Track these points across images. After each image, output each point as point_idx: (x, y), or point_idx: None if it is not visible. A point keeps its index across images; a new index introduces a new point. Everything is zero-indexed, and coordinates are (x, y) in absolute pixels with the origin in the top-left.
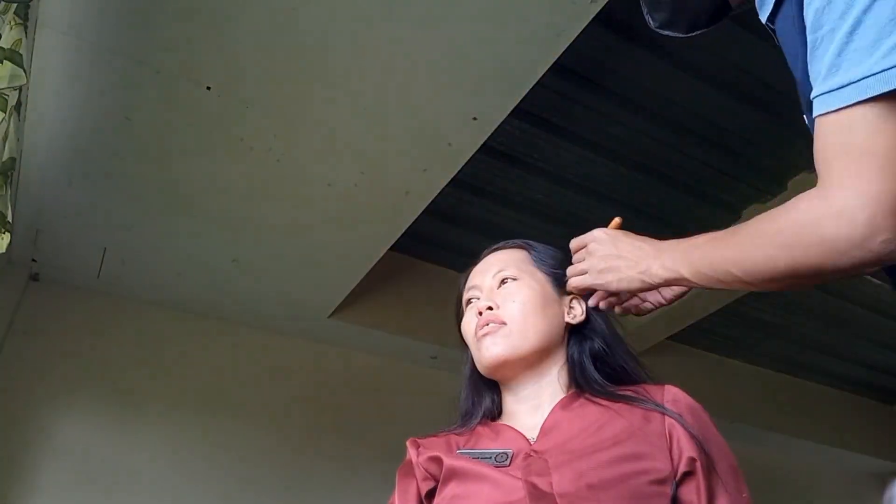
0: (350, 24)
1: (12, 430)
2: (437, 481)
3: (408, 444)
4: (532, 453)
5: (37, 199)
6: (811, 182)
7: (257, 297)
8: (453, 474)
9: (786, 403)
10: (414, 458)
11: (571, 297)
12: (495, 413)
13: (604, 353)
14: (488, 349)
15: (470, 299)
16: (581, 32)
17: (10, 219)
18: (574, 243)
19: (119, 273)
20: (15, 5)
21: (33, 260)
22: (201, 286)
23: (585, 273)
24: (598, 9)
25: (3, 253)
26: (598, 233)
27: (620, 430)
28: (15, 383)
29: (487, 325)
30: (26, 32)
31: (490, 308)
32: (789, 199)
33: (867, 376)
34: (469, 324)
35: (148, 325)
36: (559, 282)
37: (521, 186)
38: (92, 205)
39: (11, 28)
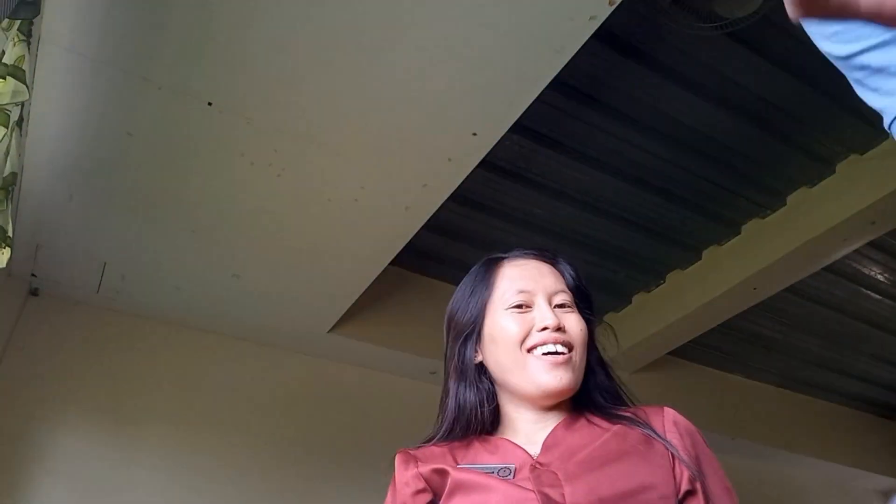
0: (350, 41)
1: (10, 444)
2: (434, 495)
3: (398, 457)
4: (538, 465)
5: (37, 214)
6: (810, 197)
7: (257, 312)
8: (459, 487)
9: (786, 419)
10: (413, 470)
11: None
12: (491, 425)
13: (598, 374)
14: (559, 379)
15: (521, 304)
16: (580, 49)
17: (10, 233)
18: None
19: (119, 288)
20: (19, 22)
21: (33, 275)
22: (201, 301)
23: None
24: (598, 25)
25: (2, 268)
26: None
27: (626, 448)
28: (14, 398)
29: (557, 348)
30: (29, 49)
31: (560, 329)
32: (789, 214)
33: (868, 392)
34: (519, 333)
35: (147, 341)
36: (586, 313)
37: (521, 201)
38: (92, 220)
39: (15, 44)
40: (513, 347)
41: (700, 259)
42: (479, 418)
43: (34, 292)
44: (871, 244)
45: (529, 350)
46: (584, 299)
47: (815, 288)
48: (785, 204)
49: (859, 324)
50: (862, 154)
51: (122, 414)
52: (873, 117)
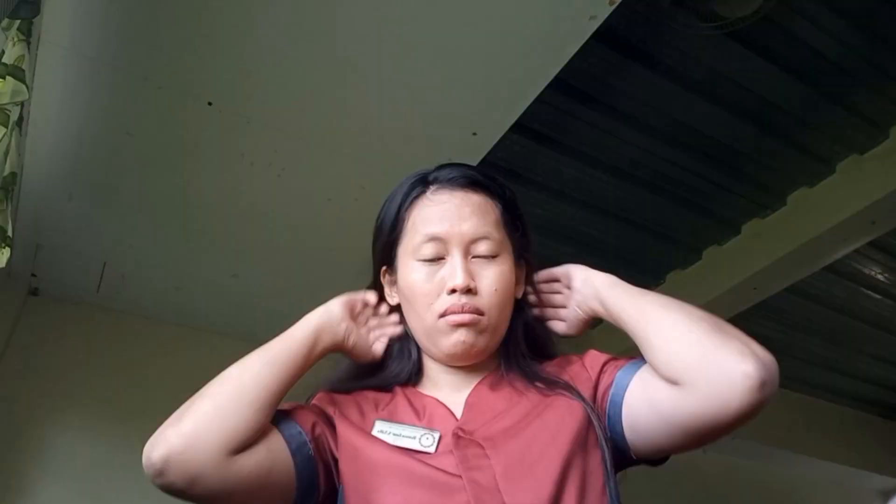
0: (349, 42)
1: (10, 444)
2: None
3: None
4: (461, 433)
5: (37, 214)
6: (810, 197)
7: (257, 312)
8: (376, 468)
9: (786, 419)
10: (329, 409)
11: (519, 265)
12: (416, 375)
13: (533, 324)
14: (461, 342)
15: (433, 258)
16: (580, 48)
17: (10, 233)
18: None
19: (119, 287)
20: (18, 22)
21: (33, 275)
22: (201, 301)
23: None
24: (598, 25)
25: (2, 268)
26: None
27: (557, 429)
28: (14, 398)
29: (463, 311)
30: (29, 48)
31: (470, 290)
32: (789, 214)
33: (869, 392)
34: (427, 293)
35: (147, 340)
36: (519, 250)
37: (521, 201)
38: (92, 219)
39: (14, 44)
40: (421, 308)
41: (700, 259)
42: (404, 367)
43: (34, 292)
44: (871, 244)
45: (439, 315)
46: (522, 235)
47: (815, 288)
48: (785, 204)
49: (859, 324)
50: (862, 154)
51: (122, 414)
52: (873, 117)
